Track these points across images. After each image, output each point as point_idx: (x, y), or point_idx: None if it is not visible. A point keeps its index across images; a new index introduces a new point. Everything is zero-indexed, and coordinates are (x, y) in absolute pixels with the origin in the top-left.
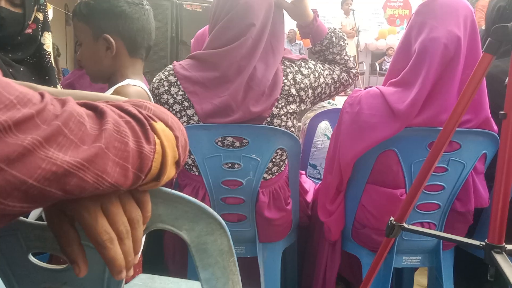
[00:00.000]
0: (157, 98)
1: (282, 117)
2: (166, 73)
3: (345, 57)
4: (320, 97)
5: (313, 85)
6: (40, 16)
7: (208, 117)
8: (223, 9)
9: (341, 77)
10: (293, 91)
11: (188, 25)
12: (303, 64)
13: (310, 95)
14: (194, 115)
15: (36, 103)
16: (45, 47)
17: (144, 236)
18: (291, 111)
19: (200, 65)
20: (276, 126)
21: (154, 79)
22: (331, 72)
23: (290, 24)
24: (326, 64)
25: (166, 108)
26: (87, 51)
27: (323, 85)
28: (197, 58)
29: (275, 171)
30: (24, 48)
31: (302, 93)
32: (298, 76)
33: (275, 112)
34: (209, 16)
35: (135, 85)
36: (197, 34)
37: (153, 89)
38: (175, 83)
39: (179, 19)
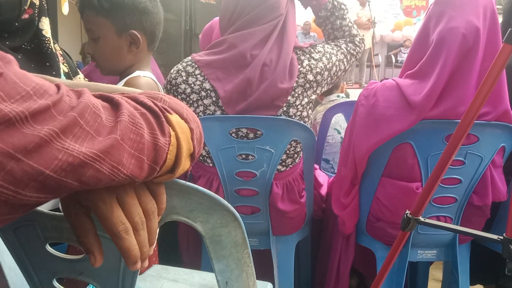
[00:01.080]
0: (175, 88)
1: (298, 106)
2: (184, 64)
3: (349, 23)
4: (336, 74)
5: (327, 66)
6: (36, 1)
7: (231, 99)
8: (249, 4)
9: (348, 48)
10: (310, 77)
11: (202, 18)
12: (312, 50)
13: (326, 77)
14: (211, 105)
15: (52, 94)
16: (43, 32)
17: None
18: (307, 99)
19: (219, 50)
20: (292, 115)
21: (172, 70)
22: (339, 48)
23: (305, 16)
24: (331, 42)
25: (183, 97)
26: (107, 46)
27: (337, 63)
28: (216, 43)
29: (289, 163)
30: (21, 34)
31: (319, 77)
32: (312, 62)
33: (291, 101)
34: (227, 10)
35: (145, 76)
36: (205, 28)
37: (171, 79)
38: (193, 73)
39: (193, 12)
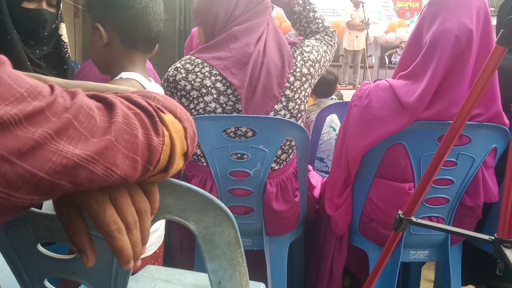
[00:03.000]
0: (173, 84)
1: (297, 100)
2: (183, 62)
3: (321, 16)
4: (324, 65)
5: (317, 58)
6: (59, 10)
7: (244, 86)
8: (247, 5)
9: (326, 39)
10: (305, 70)
11: None
12: (302, 44)
13: (317, 68)
14: (212, 102)
15: (46, 95)
16: (62, 37)
17: (163, 229)
18: (304, 93)
19: (221, 45)
20: (291, 109)
21: (169, 68)
22: (320, 41)
23: None
24: (312, 38)
25: (183, 94)
26: (88, 40)
27: (323, 54)
28: (218, 40)
29: (284, 159)
30: (47, 42)
31: (311, 69)
32: (305, 55)
33: (290, 96)
34: (224, 8)
35: (128, 77)
36: (186, 42)
37: (168, 76)
38: (192, 71)
39: (187, 11)
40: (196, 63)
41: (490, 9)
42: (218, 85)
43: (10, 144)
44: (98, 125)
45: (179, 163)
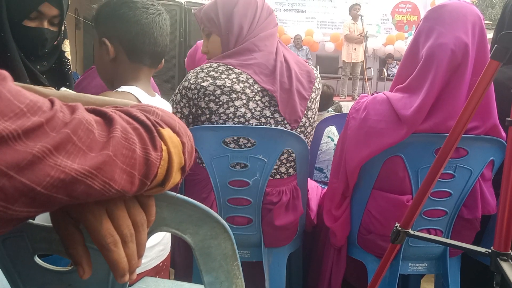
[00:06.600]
0: (201, 91)
1: (313, 110)
2: (206, 70)
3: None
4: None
5: (322, 81)
6: (62, 26)
7: (277, 90)
8: (261, 16)
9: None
10: (317, 84)
11: (196, 30)
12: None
13: (320, 91)
14: (242, 107)
15: (46, 111)
16: (66, 54)
17: (167, 243)
18: (317, 105)
19: (242, 54)
20: (309, 117)
21: (190, 78)
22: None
23: (295, 30)
24: None
25: (211, 99)
26: (95, 55)
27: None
28: (237, 50)
29: (284, 171)
30: (48, 58)
31: (319, 85)
32: (317, 73)
33: (308, 105)
34: (245, 20)
35: (124, 91)
36: (190, 52)
37: (190, 85)
38: (219, 77)
39: (187, 23)
40: (221, 70)
41: (487, 22)
42: (247, 91)
43: (9, 159)
44: (96, 140)
45: (176, 178)
